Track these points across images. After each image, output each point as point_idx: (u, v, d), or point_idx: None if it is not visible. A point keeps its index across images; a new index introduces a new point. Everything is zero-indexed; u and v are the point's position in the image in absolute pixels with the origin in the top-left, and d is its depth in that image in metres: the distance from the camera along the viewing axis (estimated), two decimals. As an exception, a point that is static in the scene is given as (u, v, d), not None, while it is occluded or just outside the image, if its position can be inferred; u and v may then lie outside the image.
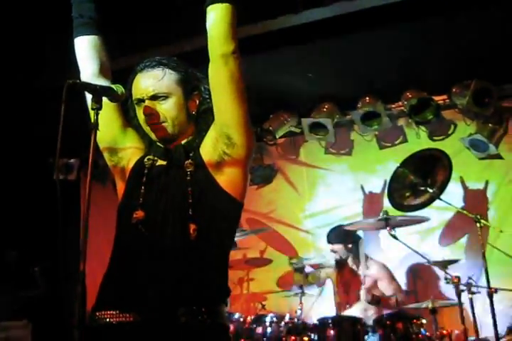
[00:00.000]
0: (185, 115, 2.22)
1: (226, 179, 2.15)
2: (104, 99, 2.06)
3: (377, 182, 5.82)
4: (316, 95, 5.72)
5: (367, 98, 5.58)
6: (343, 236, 5.13)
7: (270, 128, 5.87)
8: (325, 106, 5.76)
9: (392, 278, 5.07)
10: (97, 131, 1.96)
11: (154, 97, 2.19)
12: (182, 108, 2.22)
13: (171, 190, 2.16)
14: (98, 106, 1.99)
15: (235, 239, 5.05)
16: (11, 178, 6.34)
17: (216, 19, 2.07)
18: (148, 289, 2.03)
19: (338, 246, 5.16)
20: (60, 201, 1.99)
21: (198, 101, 2.26)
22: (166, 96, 2.19)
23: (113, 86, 2.12)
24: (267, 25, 4.39)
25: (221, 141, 2.14)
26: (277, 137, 6.00)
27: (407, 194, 4.93)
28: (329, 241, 5.23)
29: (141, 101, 2.21)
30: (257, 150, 6.30)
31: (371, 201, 5.86)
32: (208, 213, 2.12)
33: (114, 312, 2.04)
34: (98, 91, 2.03)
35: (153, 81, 2.20)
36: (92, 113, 1.99)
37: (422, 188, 4.82)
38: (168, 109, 2.19)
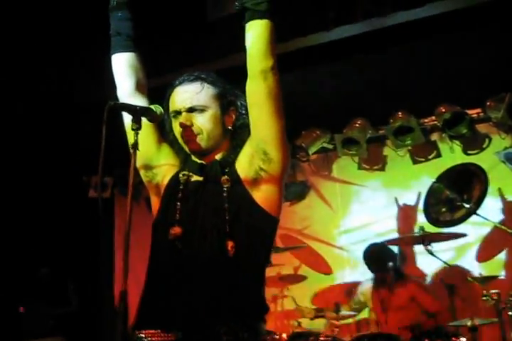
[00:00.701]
0: (220, 129, 2.23)
1: (262, 195, 2.15)
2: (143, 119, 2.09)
3: (411, 197, 5.75)
4: (349, 111, 5.71)
5: (399, 113, 5.54)
6: (378, 254, 5.07)
7: (303, 144, 5.87)
8: (357, 121, 5.73)
9: (429, 295, 4.99)
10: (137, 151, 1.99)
11: (191, 110, 2.21)
12: (218, 122, 2.23)
13: (208, 205, 2.16)
14: (138, 127, 2.04)
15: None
16: (44, 195, 6.43)
17: (255, 35, 2.08)
18: (188, 307, 2.04)
19: (375, 265, 5.08)
20: (102, 218, 2.03)
21: (234, 117, 2.27)
22: (202, 110, 2.21)
23: (152, 106, 2.16)
24: (299, 42, 4.43)
25: (257, 156, 2.13)
26: (310, 153, 5.99)
27: (443, 209, 4.88)
28: (366, 261, 5.16)
29: (177, 113, 2.23)
30: (290, 167, 6.26)
31: (405, 216, 5.80)
32: (244, 229, 2.11)
33: (154, 332, 2.04)
34: (138, 112, 2.07)
35: (190, 94, 2.22)
36: (132, 133, 2.03)
37: (458, 203, 4.76)
38: (204, 122, 2.20)
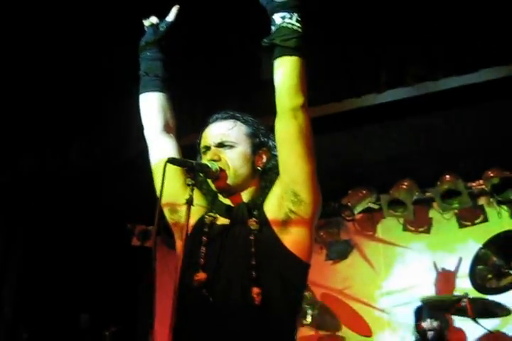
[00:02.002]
0: (249, 168, 2.17)
1: (292, 239, 2.05)
2: (168, 154, 2.09)
3: (455, 261, 5.66)
4: (396, 171, 5.73)
5: (447, 176, 5.54)
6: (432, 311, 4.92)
7: (349, 203, 5.88)
8: (404, 182, 5.74)
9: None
10: (191, 206, 1.95)
11: (221, 145, 2.17)
12: (247, 160, 2.17)
13: (234, 250, 2.06)
14: (194, 183, 2.01)
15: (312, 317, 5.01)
16: (85, 243, 6.53)
17: (285, 72, 2.01)
18: None
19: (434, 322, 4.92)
20: (153, 269, 2.04)
21: (265, 158, 2.21)
22: (232, 146, 2.17)
23: (208, 163, 2.13)
24: (351, 103, 4.49)
25: (287, 198, 2.04)
26: (355, 213, 5.98)
27: (489, 276, 4.79)
28: (421, 318, 4.99)
29: (207, 149, 2.20)
30: (334, 225, 6.30)
31: (444, 282, 5.69)
32: (272, 275, 2.00)
33: None
34: (194, 168, 2.04)
35: (222, 130, 2.20)
36: (188, 189, 1.99)
37: (505, 270, 4.67)
38: (232, 158, 2.15)
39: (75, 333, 6.58)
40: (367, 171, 5.59)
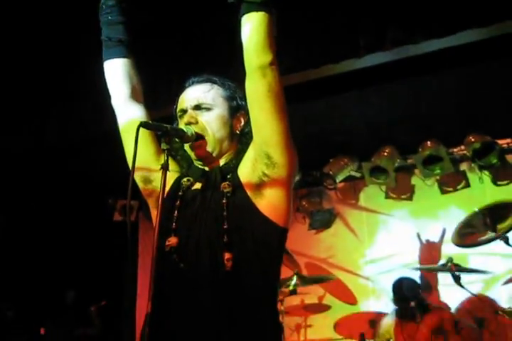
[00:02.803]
0: (227, 132, 2.11)
1: (267, 203, 1.98)
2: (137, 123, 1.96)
3: (438, 228, 5.66)
4: (377, 139, 5.69)
5: (428, 142, 5.50)
6: (410, 288, 4.93)
7: (330, 172, 5.84)
8: (386, 150, 5.70)
9: (456, 328, 4.87)
10: (167, 171, 1.88)
11: (197, 107, 2.11)
12: (225, 123, 2.11)
13: (206, 214, 2.00)
14: (169, 147, 1.93)
15: (295, 286, 5.00)
16: (68, 219, 6.48)
17: (252, 28, 1.95)
18: (188, 329, 1.90)
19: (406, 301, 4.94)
20: (129, 243, 1.96)
21: (243, 121, 2.15)
22: (209, 108, 2.11)
23: (183, 127, 2.08)
24: (330, 69, 4.42)
25: (260, 161, 1.98)
26: (337, 181, 5.94)
27: (473, 231, 4.76)
28: (396, 295, 5.02)
29: (184, 112, 2.14)
30: (317, 195, 6.28)
31: (429, 251, 5.71)
32: (246, 240, 1.94)
33: None
34: (169, 133, 1.97)
35: (199, 93, 2.14)
36: (162, 155, 1.93)
37: (489, 231, 4.65)
38: (209, 121, 2.09)
39: (60, 310, 6.57)
40: (347, 139, 5.54)
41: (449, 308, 5.16)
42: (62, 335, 6.37)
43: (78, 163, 6.07)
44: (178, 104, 2.18)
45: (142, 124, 1.92)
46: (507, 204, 4.65)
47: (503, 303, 5.02)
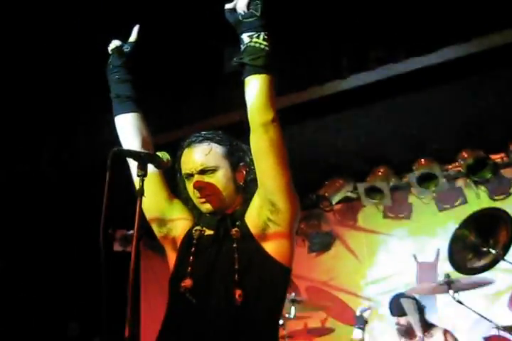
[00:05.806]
0: (233, 186, 2.28)
1: (272, 245, 2.16)
2: (150, 170, 2.12)
3: (438, 246, 5.61)
4: (371, 159, 5.69)
5: (422, 160, 5.50)
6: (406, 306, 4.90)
7: (326, 194, 5.84)
8: (380, 169, 5.71)
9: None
10: (143, 198, 2.00)
11: (203, 171, 2.25)
12: (230, 180, 2.27)
13: (219, 258, 2.19)
14: (143, 173, 2.04)
15: (295, 312, 4.98)
16: (70, 250, 6.47)
17: (255, 90, 2.09)
18: None
19: (404, 318, 4.90)
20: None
21: (245, 172, 2.31)
22: (213, 170, 2.25)
23: (159, 153, 2.18)
24: (316, 91, 4.45)
25: (265, 207, 2.16)
26: (333, 203, 5.93)
27: (469, 256, 4.73)
28: (393, 314, 5.00)
29: (190, 175, 2.28)
30: (315, 217, 6.26)
31: (426, 271, 5.67)
32: (255, 279, 2.12)
33: None
34: (143, 158, 2.08)
35: (200, 156, 2.27)
36: (137, 180, 2.03)
37: (484, 249, 4.62)
38: (216, 182, 2.25)
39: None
40: (340, 160, 5.55)
41: (452, 326, 5.10)
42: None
43: (79, 194, 6.09)
44: (182, 167, 2.32)
45: (115, 152, 2.05)
46: (488, 212, 4.65)
47: (506, 320, 4.94)
